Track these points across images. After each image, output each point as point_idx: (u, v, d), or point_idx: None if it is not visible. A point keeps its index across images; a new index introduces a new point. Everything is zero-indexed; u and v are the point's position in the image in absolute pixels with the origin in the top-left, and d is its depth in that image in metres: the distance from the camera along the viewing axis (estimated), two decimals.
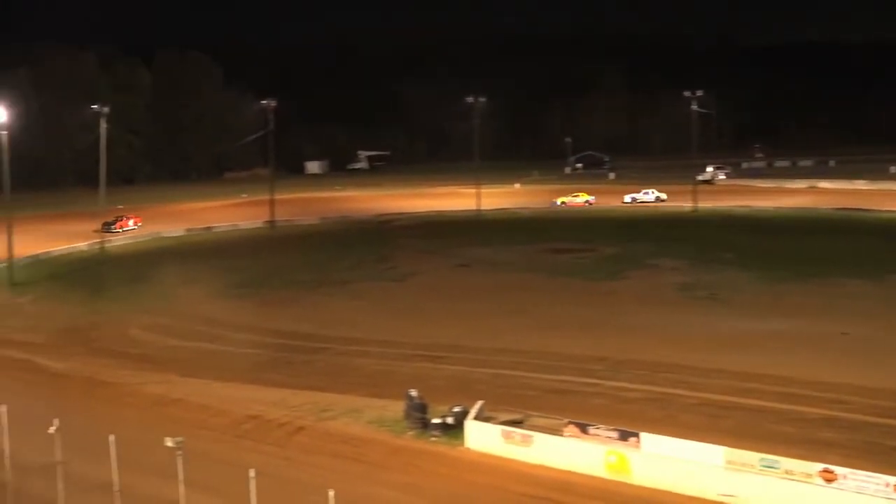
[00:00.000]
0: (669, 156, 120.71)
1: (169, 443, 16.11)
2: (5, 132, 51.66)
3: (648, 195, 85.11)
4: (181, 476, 15.96)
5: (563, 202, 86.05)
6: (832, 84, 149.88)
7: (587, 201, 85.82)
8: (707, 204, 78.01)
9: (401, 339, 36.09)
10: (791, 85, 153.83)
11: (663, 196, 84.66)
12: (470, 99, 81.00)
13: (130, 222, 73.52)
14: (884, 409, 24.38)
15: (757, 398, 26.04)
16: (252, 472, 14.65)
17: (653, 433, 21.33)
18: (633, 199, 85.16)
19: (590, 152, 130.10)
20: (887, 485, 17.22)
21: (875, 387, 26.23)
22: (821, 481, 18.26)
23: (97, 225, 64.72)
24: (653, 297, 43.72)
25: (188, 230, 73.45)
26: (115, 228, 69.87)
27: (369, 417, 25.62)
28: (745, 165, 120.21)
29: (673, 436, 21.10)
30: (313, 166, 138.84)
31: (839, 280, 44.73)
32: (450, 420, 24.29)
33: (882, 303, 39.09)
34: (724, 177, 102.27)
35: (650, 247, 58.07)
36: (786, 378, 27.77)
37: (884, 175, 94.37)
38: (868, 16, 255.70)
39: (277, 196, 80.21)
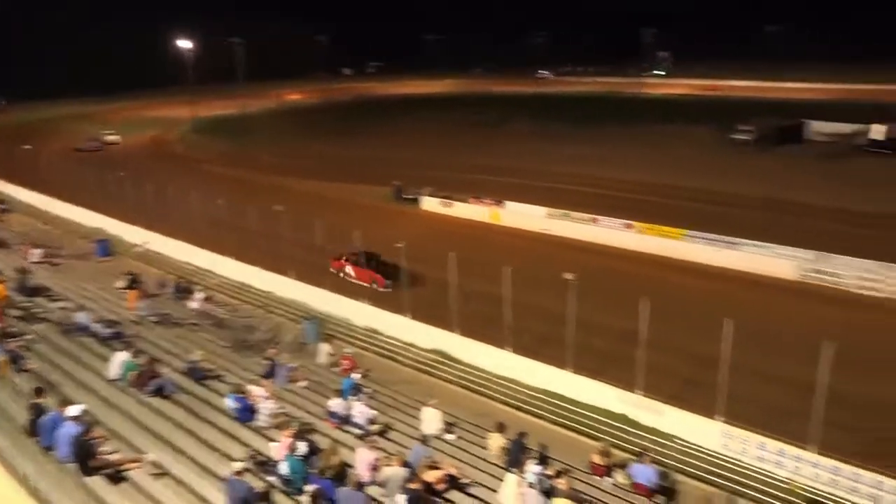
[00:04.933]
0: None
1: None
2: None
3: None
4: None
5: None
6: None
7: None
8: None
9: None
10: None
11: None
12: None
13: None
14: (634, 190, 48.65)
15: (576, 186, 49.85)
16: None
17: (512, 202, 44.73)
18: None
19: None
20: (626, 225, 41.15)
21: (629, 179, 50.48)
22: (591, 223, 41.92)
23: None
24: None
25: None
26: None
27: (373, 195, 48.65)
28: None
29: (523, 203, 44.55)
30: None
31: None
32: (413, 197, 47.68)
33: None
34: None
35: None
36: (594, 176, 51.66)
37: None
38: None
39: None
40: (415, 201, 48.55)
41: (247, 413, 16.93)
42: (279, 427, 15.96)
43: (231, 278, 33.17)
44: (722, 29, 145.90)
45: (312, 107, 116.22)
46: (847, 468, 16.97)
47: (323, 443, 15.71)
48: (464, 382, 22.97)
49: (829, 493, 16.74)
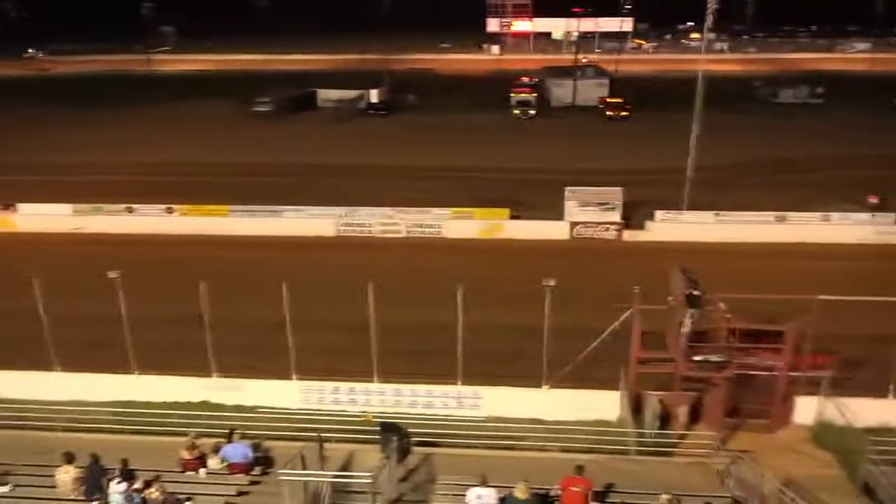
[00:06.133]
0: None
1: None
2: None
3: None
4: None
5: None
6: None
7: None
8: None
9: None
10: None
11: None
12: None
13: None
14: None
15: (100, 175, 45.37)
16: None
17: (26, 203, 38.47)
18: None
19: None
20: None
21: None
22: (127, 213, 38.55)
23: None
24: None
25: None
26: None
27: None
28: None
29: (41, 203, 38.67)
30: None
31: None
32: None
33: None
34: None
35: None
36: (117, 162, 47.72)
37: None
38: None
39: None
40: None
41: None
42: None
43: None
44: (212, 2, 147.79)
45: None
46: (404, 387, 19.79)
47: None
48: (8, 422, 19.42)
49: (396, 413, 19.24)
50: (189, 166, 48.67)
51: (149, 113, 71.08)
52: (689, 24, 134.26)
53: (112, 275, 19.50)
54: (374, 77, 78.72)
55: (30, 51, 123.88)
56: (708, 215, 35.42)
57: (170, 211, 38.09)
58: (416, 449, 17.40)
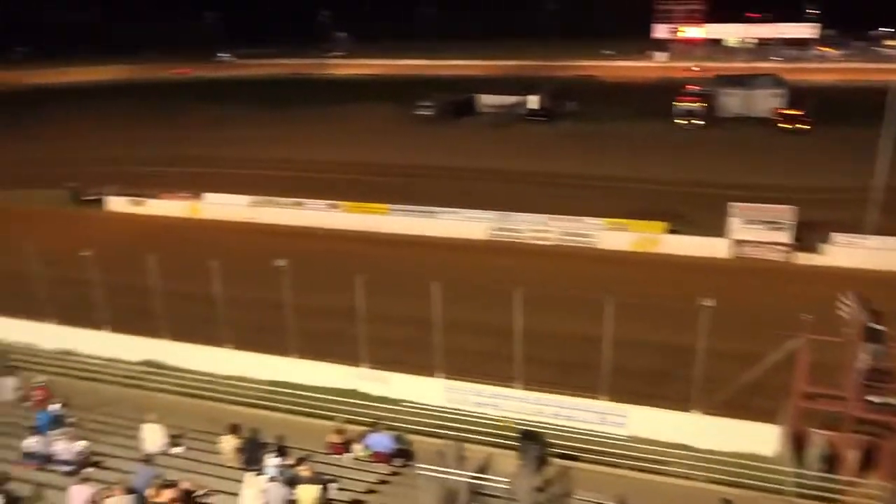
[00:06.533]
0: None
1: None
2: None
3: None
4: None
5: None
6: None
7: None
8: None
9: None
10: None
11: None
12: None
13: None
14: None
15: (275, 170, 48.91)
16: None
17: (210, 193, 42.41)
18: None
19: None
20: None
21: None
22: (296, 207, 41.36)
23: None
24: None
25: None
26: None
27: (46, 200, 42.45)
28: None
29: (223, 193, 42.42)
30: None
31: None
32: (95, 198, 42.84)
33: None
34: None
35: None
36: (291, 159, 51.13)
37: None
38: None
39: None
40: (98, 203, 43.53)
41: None
42: None
43: None
44: (384, 9, 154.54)
45: None
46: (548, 397, 19.54)
47: (24, 490, 13.56)
48: (184, 389, 21.46)
49: (537, 422, 19.07)
50: (353, 165, 51.23)
51: (319, 114, 75.64)
52: (887, 29, 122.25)
53: (279, 263, 20.94)
54: (534, 83, 78.70)
55: (221, 54, 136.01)
56: (895, 241, 31.95)
57: (334, 207, 40.27)
58: (555, 460, 17.17)
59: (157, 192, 43.34)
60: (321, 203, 40.66)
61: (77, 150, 59.00)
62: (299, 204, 41.05)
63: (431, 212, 38.35)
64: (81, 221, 40.64)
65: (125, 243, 33.88)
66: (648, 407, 18.95)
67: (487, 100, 76.94)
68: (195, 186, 43.72)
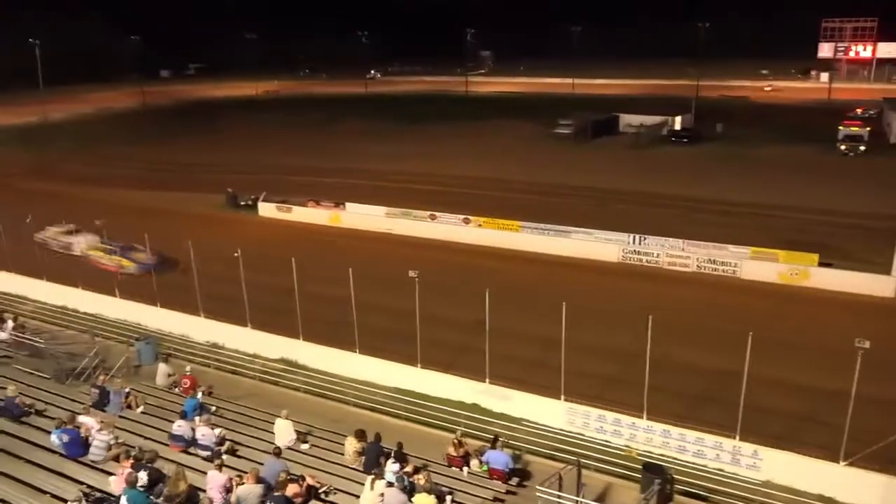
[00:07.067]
0: None
1: None
2: None
3: None
4: None
5: None
6: None
7: None
8: None
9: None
10: None
11: None
12: None
13: None
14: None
15: (412, 184, 50.44)
16: None
17: (351, 203, 44.42)
18: None
19: None
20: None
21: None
22: (430, 220, 42.37)
23: None
24: None
25: None
26: None
27: (206, 204, 46.18)
28: None
29: (363, 203, 44.34)
30: None
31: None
32: (249, 203, 45.92)
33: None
34: None
35: None
36: (429, 173, 52.49)
37: None
38: None
39: None
40: (251, 207, 46.88)
41: (77, 447, 15.44)
42: (116, 459, 14.75)
43: (49, 303, 30.17)
44: (528, 28, 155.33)
45: (130, 111, 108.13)
46: (675, 430, 18.65)
47: (168, 469, 14.72)
48: (314, 389, 22.49)
49: (662, 455, 18.27)
50: (489, 182, 51.75)
51: (461, 130, 77.16)
52: None
53: (412, 274, 21.51)
54: (682, 104, 76.02)
55: (371, 72, 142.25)
56: None
57: (467, 221, 40.84)
58: (680, 498, 16.34)
59: (304, 199, 45.94)
60: (455, 217, 41.36)
61: (235, 158, 63.90)
62: (433, 217, 41.98)
63: (564, 231, 37.91)
64: (235, 223, 43.81)
65: (272, 246, 36.10)
66: (788, 452, 17.61)
67: (629, 119, 75.18)
68: (338, 196, 45.93)
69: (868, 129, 61.86)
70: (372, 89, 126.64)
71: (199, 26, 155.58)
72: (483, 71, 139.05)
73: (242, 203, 47.33)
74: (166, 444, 16.66)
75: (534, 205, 43.93)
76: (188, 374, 21.25)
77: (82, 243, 36.65)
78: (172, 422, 17.21)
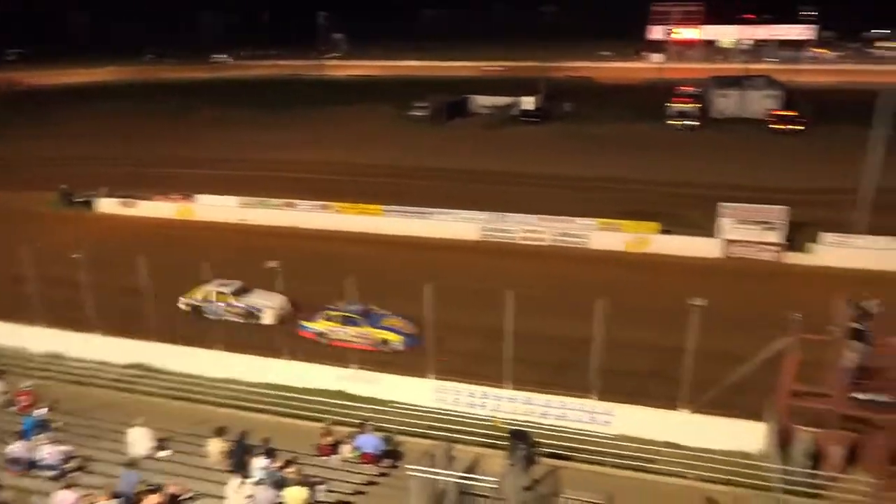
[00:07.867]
0: None
1: None
2: None
3: None
4: None
5: None
6: None
7: None
8: None
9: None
10: None
11: None
12: None
13: None
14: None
15: (269, 171, 48.92)
16: None
17: (202, 194, 42.35)
18: None
19: None
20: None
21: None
22: (288, 208, 41.15)
23: None
24: None
25: None
26: None
27: (36, 202, 42.55)
28: None
29: (215, 194, 42.35)
30: None
31: None
32: (86, 199, 42.69)
33: None
34: None
35: None
36: (285, 160, 51.13)
37: None
38: None
39: None
40: (88, 204, 43.44)
41: None
42: None
43: None
44: (380, 12, 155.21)
45: None
46: (538, 396, 19.53)
47: (7, 496, 13.50)
48: (174, 392, 21.40)
49: (526, 421, 19.07)
50: (347, 166, 51.17)
51: (315, 116, 75.55)
52: (881, 31, 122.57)
53: (271, 264, 20.91)
54: (530, 84, 78.71)
55: (218, 56, 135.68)
56: (884, 241, 31.99)
57: (326, 207, 40.20)
58: (543, 460, 17.15)
59: (149, 193, 43.21)
60: (312, 204, 40.58)
61: (70, 152, 58.80)
62: (290, 205, 40.97)
63: (425, 212, 38.31)
64: (70, 222, 40.51)
65: (114, 245, 33.78)
66: (636, 406, 18.96)
67: (481, 101, 76.91)
68: (187, 188, 43.59)
69: (695, 105, 67.19)
70: (224, 74, 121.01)
71: (15, 3, 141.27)
72: (337, 55, 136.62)
73: (77, 200, 43.70)
74: (3, 470, 15.28)
75: (395, 188, 43.97)
76: (25, 390, 19.52)
77: (270, 308, 26.15)
78: (8, 444, 15.78)
